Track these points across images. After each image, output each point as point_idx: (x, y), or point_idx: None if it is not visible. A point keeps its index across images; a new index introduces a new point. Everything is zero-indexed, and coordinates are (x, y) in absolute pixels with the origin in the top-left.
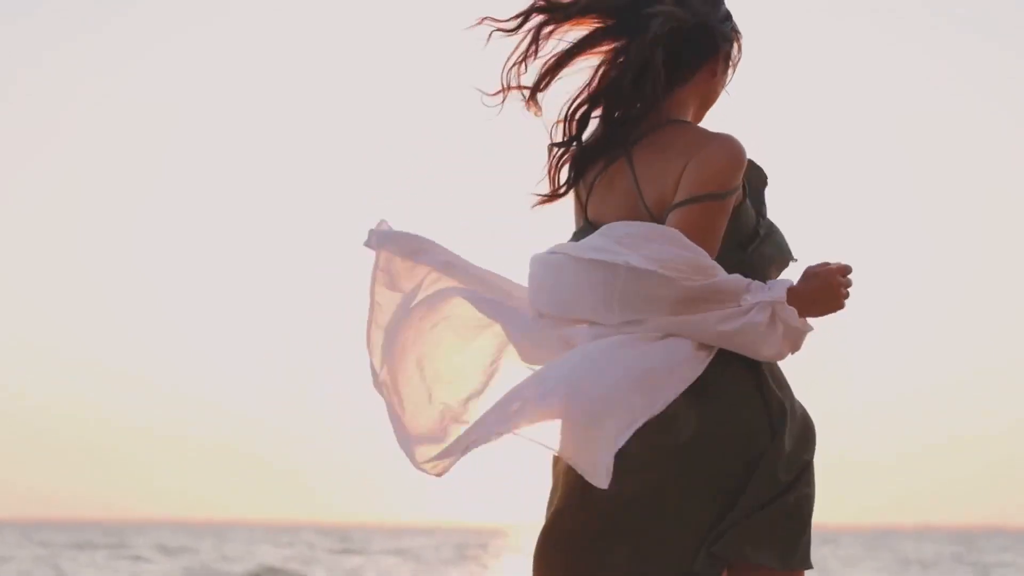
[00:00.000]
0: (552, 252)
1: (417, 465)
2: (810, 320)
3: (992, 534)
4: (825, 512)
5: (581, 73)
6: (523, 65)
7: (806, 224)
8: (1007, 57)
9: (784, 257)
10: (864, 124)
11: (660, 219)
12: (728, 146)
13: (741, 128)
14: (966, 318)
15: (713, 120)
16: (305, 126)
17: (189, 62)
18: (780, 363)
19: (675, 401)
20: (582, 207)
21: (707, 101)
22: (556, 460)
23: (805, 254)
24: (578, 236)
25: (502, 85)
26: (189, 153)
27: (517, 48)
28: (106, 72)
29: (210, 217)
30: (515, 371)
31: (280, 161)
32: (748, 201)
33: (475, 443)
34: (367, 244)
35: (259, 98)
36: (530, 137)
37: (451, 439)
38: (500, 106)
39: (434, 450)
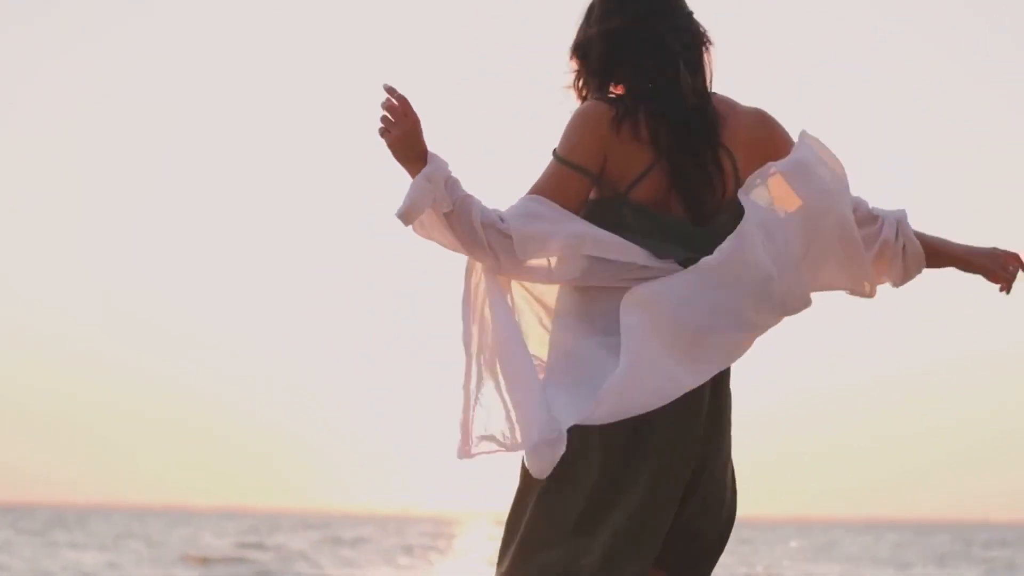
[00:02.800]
0: None
1: None
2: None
3: (940, 527)
4: (772, 505)
5: None
6: None
7: None
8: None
9: None
10: (866, 122)
11: None
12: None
13: None
14: (931, 310)
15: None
16: (305, 125)
17: (188, 62)
18: None
19: None
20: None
21: None
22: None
23: None
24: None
25: None
26: (189, 153)
27: None
28: (106, 72)
29: (209, 214)
30: None
31: (280, 159)
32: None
33: None
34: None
35: (259, 97)
36: (529, 138)
37: None
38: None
39: None
